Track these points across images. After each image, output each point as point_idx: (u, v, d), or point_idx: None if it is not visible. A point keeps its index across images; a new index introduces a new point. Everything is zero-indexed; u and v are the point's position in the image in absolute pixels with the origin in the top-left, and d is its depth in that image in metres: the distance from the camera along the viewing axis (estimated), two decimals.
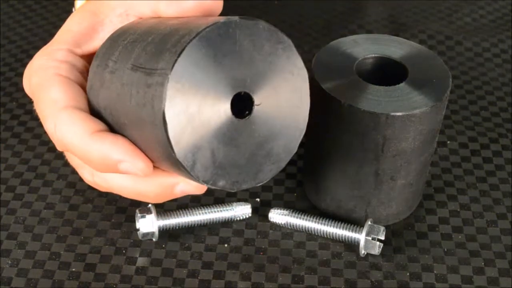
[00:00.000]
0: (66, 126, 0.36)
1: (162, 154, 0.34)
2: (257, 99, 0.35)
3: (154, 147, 0.35)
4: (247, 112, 0.35)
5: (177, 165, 0.34)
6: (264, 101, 0.35)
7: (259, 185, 0.37)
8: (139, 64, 0.35)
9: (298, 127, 0.37)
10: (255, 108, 0.35)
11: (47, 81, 0.38)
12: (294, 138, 0.37)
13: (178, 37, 0.33)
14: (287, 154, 0.37)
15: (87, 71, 0.40)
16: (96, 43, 0.40)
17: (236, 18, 0.34)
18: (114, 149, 0.35)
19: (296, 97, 0.37)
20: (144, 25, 0.38)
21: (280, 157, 0.37)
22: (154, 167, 0.37)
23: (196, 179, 0.34)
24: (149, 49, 0.35)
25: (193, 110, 0.33)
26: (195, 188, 0.38)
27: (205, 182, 0.34)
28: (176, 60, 0.32)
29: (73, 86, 0.38)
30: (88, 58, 0.41)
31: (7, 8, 0.72)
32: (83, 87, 0.39)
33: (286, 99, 0.36)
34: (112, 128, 0.38)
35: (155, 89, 0.33)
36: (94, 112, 0.39)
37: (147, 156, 0.36)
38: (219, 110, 0.34)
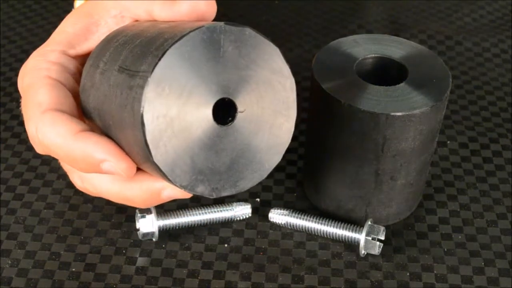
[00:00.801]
0: (48, 127, 0.36)
1: (142, 157, 0.34)
2: (240, 106, 0.35)
3: (136, 150, 0.35)
4: (230, 119, 0.35)
5: (156, 169, 0.34)
6: (248, 109, 0.35)
7: (238, 192, 0.36)
8: (125, 66, 0.35)
9: (283, 137, 0.37)
10: (238, 115, 0.35)
11: (36, 83, 0.38)
12: (278, 149, 0.37)
13: (162, 41, 0.33)
14: (270, 164, 0.37)
15: (80, 72, 0.41)
16: (90, 44, 0.41)
17: (221, 23, 0.33)
18: (97, 148, 0.35)
19: (282, 106, 0.36)
20: (137, 28, 0.38)
21: (263, 167, 0.37)
22: (141, 171, 0.37)
23: (174, 183, 0.34)
24: (135, 51, 0.35)
25: (173, 114, 0.33)
26: (182, 193, 0.37)
27: (183, 187, 0.34)
28: (156, 63, 0.32)
29: (61, 89, 0.38)
30: (82, 59, 0.41)
31: (7, 8, 0.72)
32: (73, 90, 0.40)
33: (271, 108, 0.36)
34: (100, 130, 0.38)
35: (135, 91, 0.33)
36: (85, 112, 0.39)
37: (131, 158, 0.36)
38: (201, 115, 0.33)
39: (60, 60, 0.39)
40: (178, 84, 0.32)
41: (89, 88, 0.38)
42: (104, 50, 0.38)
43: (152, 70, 0.32)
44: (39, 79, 0.38)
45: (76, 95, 0.40)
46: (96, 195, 0.40)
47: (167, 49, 0.32)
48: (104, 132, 0.37)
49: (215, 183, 0.35)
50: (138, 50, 0.34)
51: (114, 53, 0.37)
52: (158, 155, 0.33)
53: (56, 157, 0.38)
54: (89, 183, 0.39)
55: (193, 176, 0.34)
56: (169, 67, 0.32)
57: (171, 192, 0.37)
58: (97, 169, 0.36)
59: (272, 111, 0.36)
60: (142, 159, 0.35)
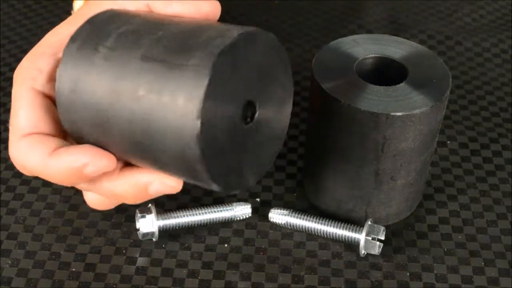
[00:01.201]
0: (25, 153, 0.37)
1: (172, 151, 0.33)
2: (258, 106, 0.36)
3: (158, 144, 0.34)
4: (249, 120, 0.36)
5: (191, 163, 0.33)
6: (261, 110, 0.37)
7: (243, 190, 0.37)
8: (153, 56, 0.34)
9: (280, 137, 0.39)
10: (257, 115, 0.36)
11: (20, 97, 0.38)
12: (276, 148, 0.39)
13: (207, 38, 0.33)
14: (269, 162, 0.39)
15: None
16: None
17: (255, 28, 0.34)
18: (73, 157, 0.36)
19: (282, 109, 0.38)
20: (139, 17, 0.37)
21: (264, 165, 0.38)
22: (128, 166, 0.38)
23: (212, 183, 0.34)
24: (165, 43, 0.34)
25: (218, 112, 0.33)
26: (170, 188, 0.38)
27: (220, 187, 0.34)
28: (214, 61, 0.32)
29: (41, 103, 0.38)
30: None
31: (7, 8, 0.72)
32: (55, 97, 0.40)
33: (275, 109, 0.38)
34: (81, 114, 0.36)
35: (185, 84, 0.32)
36: (63, 97, 0.37)
37: (128, 155, 0.36)
38: (234, 115, 0.34)
39: (49, 67, 0.39)
40: (222, 81, 0.33)
41: (81, 70, 0.36)
42: (99, 34, 0.36)
43: (212, 66, 0.32)
44: (24, 92, 0.38)
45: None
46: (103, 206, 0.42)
47: (223, 48, 0.32)
48: (87, 116, 0.36)
49: (229, 181, 0.36)
50: (169, 43, 0.34)
51: (124, 41, 0.35)
52: (204, 151, 0.32)
53: (42, 177, 0.38)
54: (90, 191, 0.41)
55: (225, 174, 0.35)
56: (219, 65, 0.32)
57: (158, 186, 0.38)
58: (83, 177, 0.36)
59: (275, 113, 0.38)
60: (169, 153, 0.34)
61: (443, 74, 0.44)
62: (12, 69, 0.62)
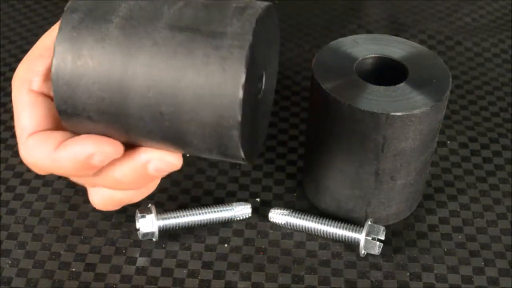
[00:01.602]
0: (33, 151, 0.37)
1: (203, 119, 0.33)
2: (265, 79, 0.38)
3: (188, 113, 0.33)
4: (260, 90, 0.37)
5: (226, 131, 0.33)
6: (265, 82, 0.38)
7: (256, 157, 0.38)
8: (182, 25, 0.33)
9: (270, 109, 0.41)
10: (264, 88, 0.38)
11: (21, 100, 0.39)
12: (267, 120, 0.41)
13: (236, 7, 0.33)
14: (264, 134, 0.41)
15: None
16: None
17: (269, 3, 0.35)
18: (80, 148, 0.36)
19: (273, 81, 0.40)
20: None
21: (263, 137, 0.40)
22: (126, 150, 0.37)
23: (238, 146, 0.34)
24: (191, 12, 0.33)
25: (247, 81, 0.33)
26: (170, 165, 0.37)
27: (242, 147, 0.34)
28: (254, 28, 0.32)
29: (42, 103, 0.39)
30: None
31: (7, 8, 0.72)
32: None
33: (270, 81, 0.39)
34: (88, 90, 0.34)
35: (229, 52, 0.32)
36: (64, 72, 0.34)
37: (140, 141, 0.36)
38: (254, 85, 0.35)
39: (45, 68, 0.39)
40: (253, 51, 0.33)
41: (91, 42, 0.33)
42: (104, 4, 0.34)
43: (252, 33, 0.32)
44: (24, 94, 0.39)
45: None
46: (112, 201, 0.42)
47: (257, 17, 0.33)
48: (99, 96, 0.34)
49: (252, 148, 0.37)
50: (200, 12, 0.33)
51: (140, 11, 0.34)
52: (240, 117, 0.33)
53: (56, 174, 0.39)
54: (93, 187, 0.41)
55: (246, 142, 0.35)
56: (255, 33, 0.33)
57: (157, 163, 0.37)
58: (92, 167, 0.36)
59: (271, 77, 0.39)
60: (202, 124, 0.33)
61: (443, 74, 0.44)
62: (12, 69, 0.62)
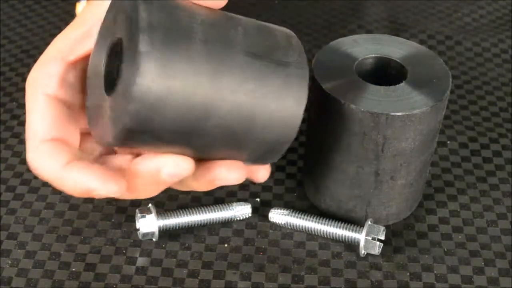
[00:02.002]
0: (43, 161, 0.37)
1: (266, 137, 0.36)
2: None
3: (254, 133, 0.36)
4: None
5: (280, 146, 0.37)
6: None
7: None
8: (256, 52, 0.35)
9: None
10: None
11: (34, 104, 0.39)
12: None
13: (281, 35, 0.37)
14: None
15: (79, 80, 0.40)
16: (86, 47, 0.40)
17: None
18: (86, 178, 0.36)
19: None
20: (193, 7, 0.35)
21: None
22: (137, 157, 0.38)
23: (281, 154, 0.38)
24: (254, 39, 0.35)
25: None
26: (182, 169, 0.36)
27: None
28: (304, 57, 0.37)
29: (55, 108, 0.39)
30: (81, 63, 0.41)
31: (7, 8, 0.72)
32: (71, 98, 0.40)
33: None
34: (171, 104, 0.32)
35: (294, 81, 0.36)
36: (147, 80, 0.31)
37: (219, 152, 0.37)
38: None
39: (60, 72, 0.39)
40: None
41: (176, 61, 0.32)
42: (182, 23, 0.33)
43: (307, 63, 0.37)
44: (37, 98, 0.39)
45: (73, 103, 0.40)
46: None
47: (302, 46, 0.37)
48: (179, 111, 0.33)
49: None
50: (260, 39, 0.36)
51: (213, 33, 0.34)
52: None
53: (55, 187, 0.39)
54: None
55: None
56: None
57: (171, 168, 0.36)
58: (90, 195, 0.37)
59: None
60: (262, 138, 0.36)
61: (443, 74, 0.44)
62: (12, 69, 0.62)
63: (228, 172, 0.38)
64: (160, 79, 0.31)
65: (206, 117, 0.34)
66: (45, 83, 0.39)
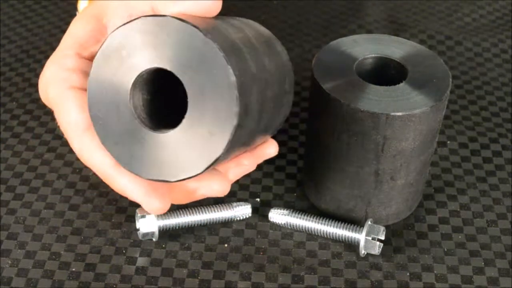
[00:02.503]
0: (90, 153, 0.38)
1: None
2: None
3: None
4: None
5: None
6: None
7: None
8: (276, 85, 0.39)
9: None
10: None
11: (63, 98, 0.39)
12: None
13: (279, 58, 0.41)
14: None
15: None
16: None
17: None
18: (134, 189, 0.37)
19: None
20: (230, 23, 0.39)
21: None
22: None
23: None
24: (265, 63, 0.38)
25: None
26: (216, 192, 0.39)
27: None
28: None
29: (85, 98, 0.39)
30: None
31: (7, 8, 0.72)
32: None
33: None
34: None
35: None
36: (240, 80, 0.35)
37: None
38: None
39: (77, 65, 0.39)
40: None
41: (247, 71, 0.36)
42: (229, 34, 0.37)
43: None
44: (64, 93, 0.39)
45: None
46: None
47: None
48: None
49: None
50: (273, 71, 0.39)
51: (248, 48, 0.37)
52: None
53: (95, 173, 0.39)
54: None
55: None
56: None
57: (205, 191, 0.39)
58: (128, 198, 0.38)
59: None
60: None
61: (443, 74, 0.44)
62: (12, 69, 0.62)
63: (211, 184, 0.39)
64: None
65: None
66: (65, 78, 0.39)
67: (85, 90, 0.38)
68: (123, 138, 0.36)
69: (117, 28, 0.35)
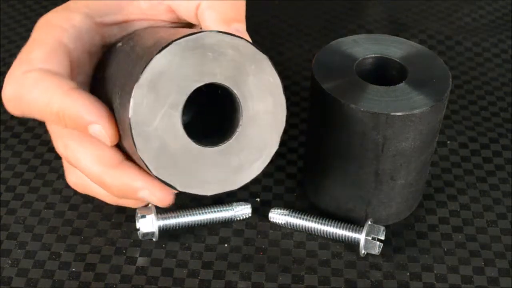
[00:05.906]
0: (32, 86, 0.36)
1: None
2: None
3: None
4: None
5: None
6: None
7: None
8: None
9: None
10: None
11: (41, 39, 0.36)
12: None
13: None
14: None
15: (100, 41, 0.38)
16: (118, 17, 0.38)
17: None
18: (89, 109, 0.35)
19: None
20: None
21: None
22: (129, 163, 0.38)
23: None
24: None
25: None
26: (157, 200, 0.38)
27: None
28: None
29: (62, 54, 0.37)
30: (104, 28, 0.38)
31: (7, 8, 0.72)
32: (78, 60, 0.38)
33: None
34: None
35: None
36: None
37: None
38: None
39: (81, 25, 0.37)
40: None
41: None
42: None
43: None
44: (46, 37, 0.36)
45: (79, 66, 0.38)
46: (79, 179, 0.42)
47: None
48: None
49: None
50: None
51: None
52: None
53: (36, 117, 0.37)
54: (73, 155, 0.39)
55: None
56: None
57: (147, 195, 0.38)
58: (83, 131, 0.35)
59: None
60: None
61: (443, 74, 0.44)
62: None
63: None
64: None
65: None
66: (63, 28, 0.36)
67: (69, 48, 0.36)
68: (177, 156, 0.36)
69: (158, 52, 0.33)
